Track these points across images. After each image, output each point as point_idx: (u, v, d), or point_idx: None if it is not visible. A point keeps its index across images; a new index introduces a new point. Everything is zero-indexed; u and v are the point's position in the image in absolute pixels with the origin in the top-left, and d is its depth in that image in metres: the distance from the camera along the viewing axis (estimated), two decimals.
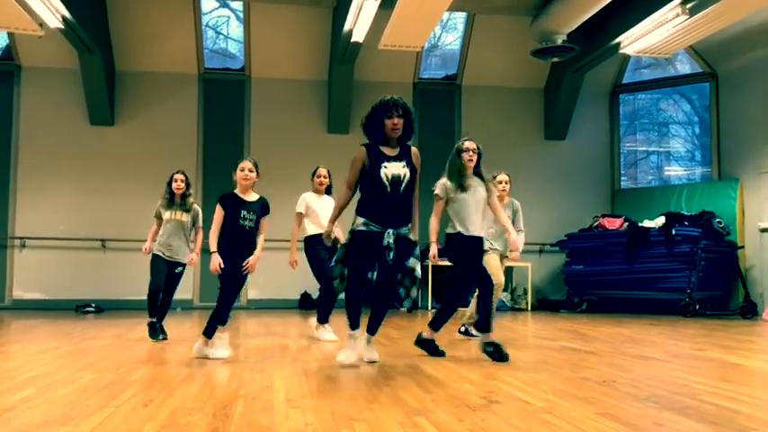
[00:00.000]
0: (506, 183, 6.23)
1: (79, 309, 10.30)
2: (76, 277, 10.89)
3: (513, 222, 6.10)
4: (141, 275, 10.95)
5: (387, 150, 4.52)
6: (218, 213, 4.84)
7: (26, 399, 3.28)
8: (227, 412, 2.99)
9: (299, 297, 11.08)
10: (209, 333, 4.80)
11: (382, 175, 4.41)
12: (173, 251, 6.13)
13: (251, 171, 4.89)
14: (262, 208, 4.95)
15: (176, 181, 6.17)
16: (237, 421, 2.82)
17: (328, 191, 6.62)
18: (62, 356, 4.97)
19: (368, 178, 4.47)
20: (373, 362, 4.58)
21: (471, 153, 4.95)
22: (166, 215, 6.18)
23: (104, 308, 10.43)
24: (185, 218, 6.20)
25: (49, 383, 3.74)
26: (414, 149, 4.62)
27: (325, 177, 6.56)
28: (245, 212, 4.83)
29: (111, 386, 3.65)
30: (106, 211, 11.08)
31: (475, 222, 4.92)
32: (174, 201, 6.19)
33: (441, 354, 4.97)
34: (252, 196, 4.95)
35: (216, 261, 4.74)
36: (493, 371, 4.32)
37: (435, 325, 5.02)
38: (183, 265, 6.24)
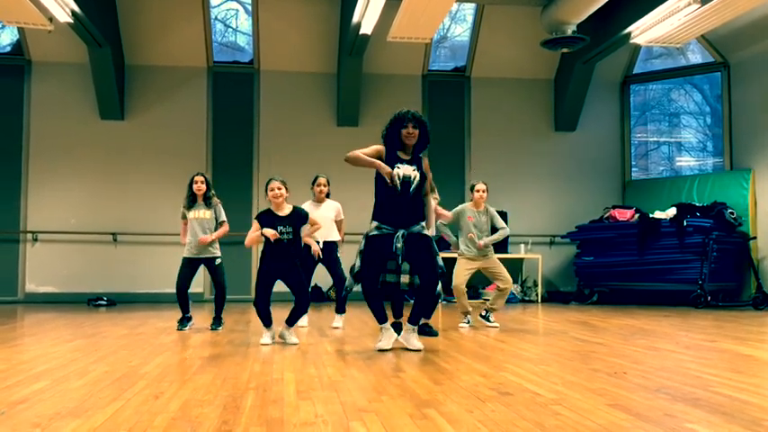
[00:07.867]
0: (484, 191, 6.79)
1: (91, 302, 10.37)
2: (88, 271, 10.96)
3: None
4: (152, 269, 11.18)
5: (401, 155, 4.88)
6: (254, 227, 5.25)
7: (39, 391, 3.31)
8: (237, 404, 3.00)
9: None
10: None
11: (394, 174, 4.69)
12: (200, 249, 6.43)
13: (279, 188, 5.25)
14: (297, 218, 5.30)
15: (196, 182, 6.51)
16: (248, 413, 2.83)
17: (327, 196, 6.91)
18: (75, 349, 5.01)
19: (382, 179, 4.75)
20: (418, 350, 4.81)
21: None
22: (190, 215, 6.50)
23: (116, 301, 10.50)
24: (208, 215, 6.51)
25: (62, 376, 3.77)
26: (425, 160, 4.99)
27: (325, 186, 6.87)
28: (282, 227, 5.19)
29: (123, 378, 3.68)
30: (117, 205, 11.14)
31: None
32: (197, 201, 6.52)
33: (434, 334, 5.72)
34: (285, 210, 5.30)
35: (269, 232, 5.10)
36: (503, 363, 4.32)
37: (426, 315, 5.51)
38: (219, 257, 6.57)
